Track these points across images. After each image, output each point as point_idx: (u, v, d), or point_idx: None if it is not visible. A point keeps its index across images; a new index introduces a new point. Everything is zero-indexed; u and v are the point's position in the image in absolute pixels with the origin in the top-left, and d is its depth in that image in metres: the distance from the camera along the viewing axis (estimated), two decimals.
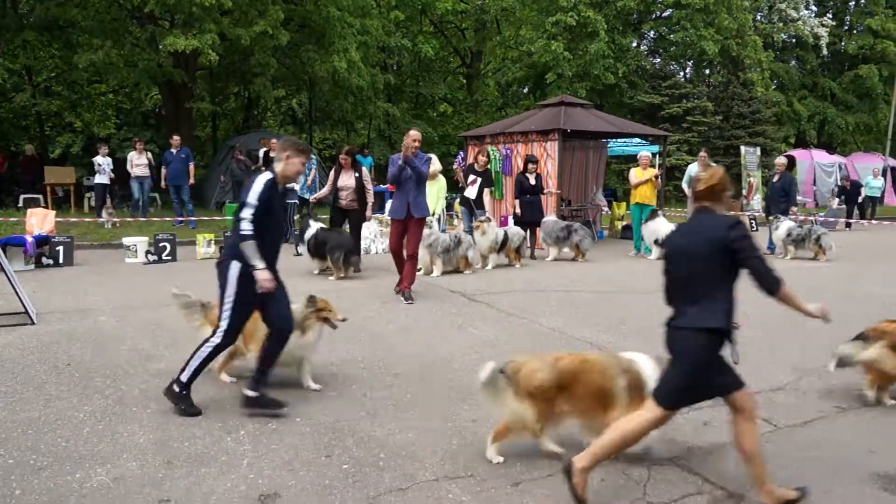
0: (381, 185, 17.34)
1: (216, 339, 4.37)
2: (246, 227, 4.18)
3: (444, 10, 25.50)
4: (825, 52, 31.21)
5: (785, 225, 12.27)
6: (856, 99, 31.74)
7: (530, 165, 11.93)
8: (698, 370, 3.25)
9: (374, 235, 12.61)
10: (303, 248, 10.26)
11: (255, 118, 26.50)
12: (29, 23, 18.46)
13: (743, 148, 23.07)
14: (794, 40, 31.63)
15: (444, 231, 10.76)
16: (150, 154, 15.42)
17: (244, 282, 4.25)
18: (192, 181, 14.98)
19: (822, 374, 5.21)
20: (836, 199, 21.49)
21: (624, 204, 16.62)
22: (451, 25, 29.92)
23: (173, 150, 14.68)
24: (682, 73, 30.89)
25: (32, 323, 6.69)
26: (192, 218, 14.83)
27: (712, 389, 3.33)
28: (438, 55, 27.85)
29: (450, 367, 5.54)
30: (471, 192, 11.59)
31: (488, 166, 12.12)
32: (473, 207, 11.43)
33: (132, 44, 18.05)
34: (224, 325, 4.35)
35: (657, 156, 17.29)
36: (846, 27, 33.26)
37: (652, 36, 29.79)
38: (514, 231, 11.07)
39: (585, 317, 7.39)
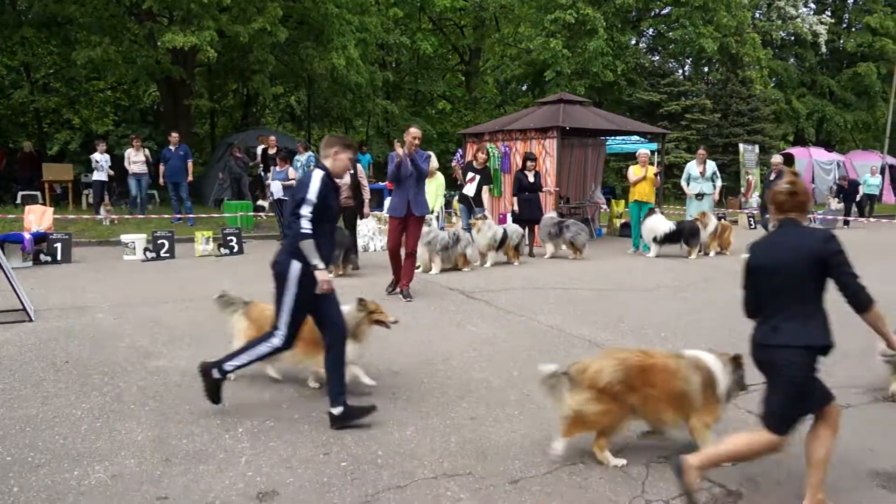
0: (380, 183, 17.33)
1: (276, 341, 4.22)
2: (305, 226, 4.05)
3: (442, 8, 25.47)
4: (824, 49, 31.21)
5: None
6: (854, 97, 31.75)
7: (529, 163, 11.93)
8: (805, 389, 3.17)
9: (373, 233, 12.60)
10: None
11: (253, 115, 26.46)
12: (27, 19, 18.41)
13: (741, 146, 23.10)
14: (792, 38, 31.62)
15: (442, 229, 10.76)
16: (147, 151, 15.38)
17: (305, 282, 4.12)
18: (190, 178, 14.98)
19: (822, 372, 5.20)
20: (835, 199, 21.53)
21: (622, 201, 16.62)
22: (450, 23, 29.89)
23: (172, 148, 14.67)
24: (680, 71, 30.88)
25: (30, 320, 6.68)
26: (191, 215, 14.81)
27: (814, 405, 3.26)
28: (437, 52, 27.82)
29: (448, 365, 5.54)
30: (469, 190, 11.59)
31: (487, 164, 12.11)
32: (472, 205, 11.42)
33: (130, 40, 18.01)
34: (284, 327, 4.20)
35: (656, 153, 17.31)
36: (845, 25, 33.24)
37: (651, 33, 29.80)
38: (513, 229, 11.07)
39: (584, 314, 7.39)
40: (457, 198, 12.88)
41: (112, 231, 13.41)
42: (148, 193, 16.35)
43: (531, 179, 11.84)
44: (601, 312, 7.49)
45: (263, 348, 4.26)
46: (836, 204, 21.19)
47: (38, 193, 16.67)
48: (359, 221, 11.01)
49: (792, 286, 3.19)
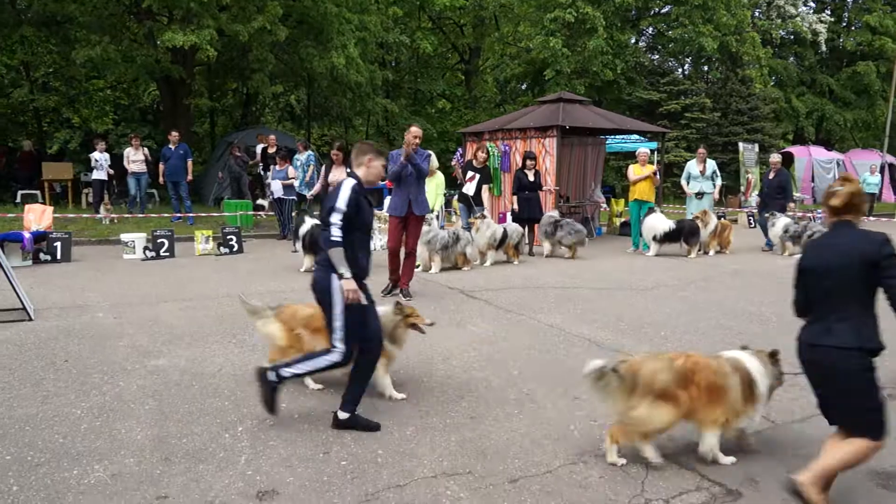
0: (380, 182, 17.30)
1: (335, 357, 4.11)
2: (336, 234, 3.99)
3: (442, 7, 25.45)
4: (823, 48, 31.20)
5: (781, 222, 12.28)
6: (854, 95, 31.74)
7: (529, 162, 11.93)
8: (874, 388, 3.19)
9: (372, 232, 12.59)
10: (299, 245, 10.21)
11: (253, 114, 26.43)
12: (27, 18, 18.39)
13: (741, 144, 23.10)
14: (792, 37, 31.60)
15: (442, 228, 10.76)
16: (146, 150, 15.39)
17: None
18: (190, 177, 14.98)
19: None
20: None
21: (622, 200, 16.63)
22: (450, 22, 29.87)
23: (171, 147, 14.68)
24: (680, 70, 30.88)
25: (30, 319, 6.68)
26: (191, 214, 14.81)
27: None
28: (437, 51, 27.80)
29: (448, 364, 5.54)
30: (469, 189, 11.59)
31: (487, 163, 12.12)
32: (472, 204, 11.43)
33: (130, 39, 18.00)
34: (340, 343, 4.08)
35: (655, 152, 17.32)
36: (844, 24, 33.21)
37: (650, 32, 29.76)
38: (513, 228, 11.07)
39: (583, 313, 7.39)
40: (457, 197, 12.88)
41: (112, 230, 13.41)
42: (148, 192, 16.35)
43: (531, 178, 11.84)
44: (601, 311, 7.49)
45: (322, 362, 4.14)
46: None
47: (38, 192, 16.67)
48: None
49: (845, 288, 3.20)
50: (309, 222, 9.78)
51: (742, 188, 22.29)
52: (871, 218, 20.01)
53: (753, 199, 20.97)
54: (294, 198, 13.40)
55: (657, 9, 28.29)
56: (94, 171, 15.14)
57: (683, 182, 13.24)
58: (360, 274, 4.13)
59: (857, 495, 3.50)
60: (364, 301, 4.11)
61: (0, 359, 5.48)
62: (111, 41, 16.70)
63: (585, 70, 23.98)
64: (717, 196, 13.28)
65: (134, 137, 15.36)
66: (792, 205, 14.57)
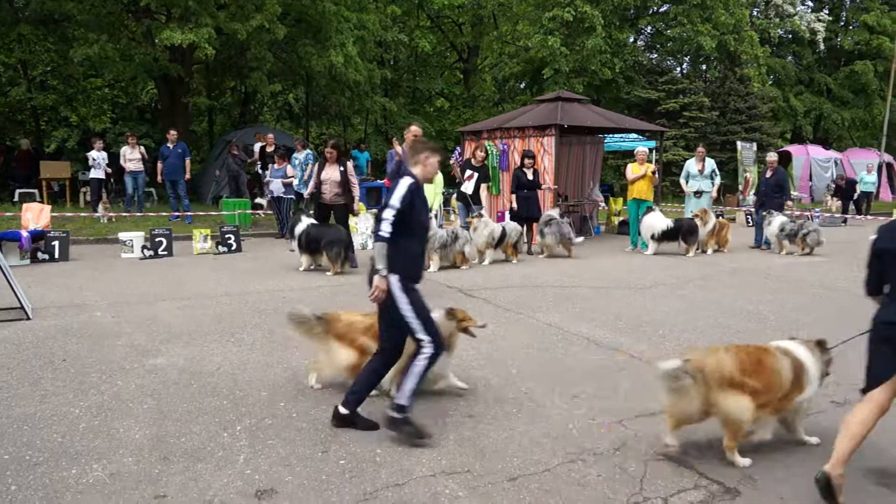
0: (378, 181, 17.32)
1: (428, 351, 4.03)
2: (385, 229, 3.98)
3: (441, 5, 25.45)
4: (821, 47, 31.24)
5: (778, 220, 12.29)
6: (851, 94, 31.78)
7: (527, 161, 11.92)
8: None
9: (371, 231, 12.60)
10: (295, 244, 10.20)
11: (251, 113, 26.41)
12: (24, 17, 18.36)
13: (739, 143, 23.12)
14: (790, 36, 31.63)
15: (441, 226, 10.76)
16: (143, 148, 15.36)
17: (408, 287, 4.08)
18: (188, 176, 14.97)
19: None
20: (832, 199, 21.59)
21: (621, 199, 16.63)
22: (448, 20, 29.86)
23: (170, 145, 14.66)
24: (678, 69, 30.86)
25: (28, 318, 6.68)
26: (189, 213, 14.80)
27: None
28: (435, 50, 27.80)
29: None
30: (468, 188, 11.58)
31: (485, 162, 12.11)
32: (470, 203, 11.42)
33: (128, 38, 17.97)
34: (423, 334, 4.02)
35: (654, 151, 17.34)
36: (842, 23, 33.24)
37: (649, 31, 29.75)
38: (512, 227, 11.07)
39: (582, 312, 7.39)
40: (455, 195, 12.87)
41: (110, 229, 13.40)
42: (146, 191, 16.33)
43: (529, 177, 11.83)
44: (599, 310, 7.49)
45: (422, 363, 4.04)
46: (833, 203, 21.26)
47: (36, 191, 16.64)
48: (354, 219, 10.99)
49: None
50: (305, 221, 9.76)
51: (740, 187, 22.32)
52: (869, 217, 20.05)
53: (751, 197, 21.03)
54: (292, 197, 13.39)
55: (655, 8, 28.31)
56: (92, 169, 15.11)
57: (682, 181, 13.26)
58: (414, 276, 4.15)
59: (856, 492, 3.50)
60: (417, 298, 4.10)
61: None
62: (109, 39, 16.69)
63: (584, 69, 23.98)
64: (715, 195, 13.30)
65: (130, 136, 15.33)
66: (790, 203, 14.59)
